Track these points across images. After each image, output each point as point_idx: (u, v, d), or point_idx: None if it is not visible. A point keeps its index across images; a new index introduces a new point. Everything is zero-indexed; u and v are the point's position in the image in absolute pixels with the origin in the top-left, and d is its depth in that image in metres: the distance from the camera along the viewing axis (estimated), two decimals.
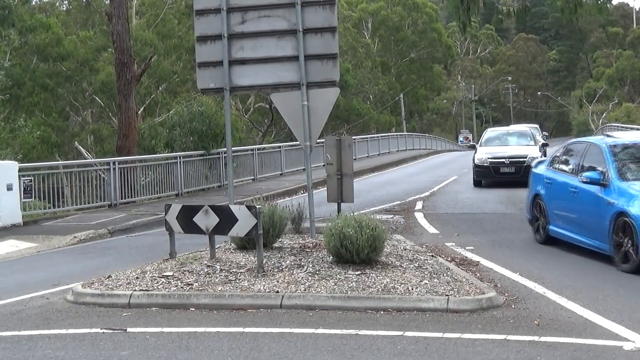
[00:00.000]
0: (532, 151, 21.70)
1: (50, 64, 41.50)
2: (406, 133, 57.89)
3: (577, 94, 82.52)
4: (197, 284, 8.49)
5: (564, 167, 11.71)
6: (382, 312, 7.58)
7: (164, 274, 8.97)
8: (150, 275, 8.94)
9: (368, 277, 8.43)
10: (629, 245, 9.34)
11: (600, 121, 66.52)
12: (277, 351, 6.37)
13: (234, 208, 9.04)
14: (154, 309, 8.03)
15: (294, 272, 8.73)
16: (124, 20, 22.25)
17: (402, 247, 10.39)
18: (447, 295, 7.83)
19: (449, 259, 10.13)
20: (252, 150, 26.64)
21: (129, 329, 7.22)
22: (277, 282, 8.38)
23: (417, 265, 9.19)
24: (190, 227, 9.45)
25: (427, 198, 19.29)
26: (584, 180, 10.33)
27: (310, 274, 8.62)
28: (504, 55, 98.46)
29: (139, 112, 34.26)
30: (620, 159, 10.39)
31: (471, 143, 27.67)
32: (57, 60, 41.29)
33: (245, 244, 10.08)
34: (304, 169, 21.03)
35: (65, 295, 8.76)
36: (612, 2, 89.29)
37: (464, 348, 6.35)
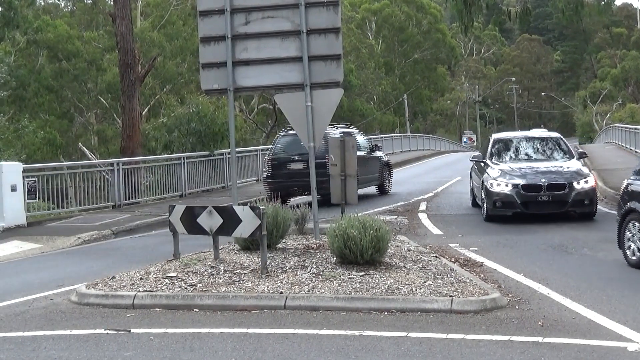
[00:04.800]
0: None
1: (57, 63, 41.58)
2: (410, 134, 57.82)
3: (581, 94, 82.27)
4: (201, 285, 8.49)
5: None
6: (385, 313, 7.57)
7: (168, 274, 8.98)
8: (154, 276, 8.96)
9: (372, 278, 8.43)
10: None
11: (605, 122, 66.26)
12: (280, 352, 6.37)
13: (238, 209, 9.04)
14: (157, 309, 8.04)
15: (298, 273, 8.73)
16: (128, 21, 22.29)
17: (405, 248, 10.39)
18: (450, 296, 7.82)
19: (453, 260, 10.12)
20: (255, 151, 26.65)
21: (132, 330, 7.23)
22: (281, 283, 8.38)
23: (420, 266, 9.19)
24: (194, 228, 9.46)
25: (431, 199, 19.28)
26: None
27: (314, 275, 8.62)
28: (508, 56, 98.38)
29: (143, 113, 34.29)
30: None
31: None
32: (66, 58, 41.35)
33: (249, 245, 10.08)
34: None
35: (69, 296, 8.78)
36: (616, 3, 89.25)
37: (468, 349, 6.34)
